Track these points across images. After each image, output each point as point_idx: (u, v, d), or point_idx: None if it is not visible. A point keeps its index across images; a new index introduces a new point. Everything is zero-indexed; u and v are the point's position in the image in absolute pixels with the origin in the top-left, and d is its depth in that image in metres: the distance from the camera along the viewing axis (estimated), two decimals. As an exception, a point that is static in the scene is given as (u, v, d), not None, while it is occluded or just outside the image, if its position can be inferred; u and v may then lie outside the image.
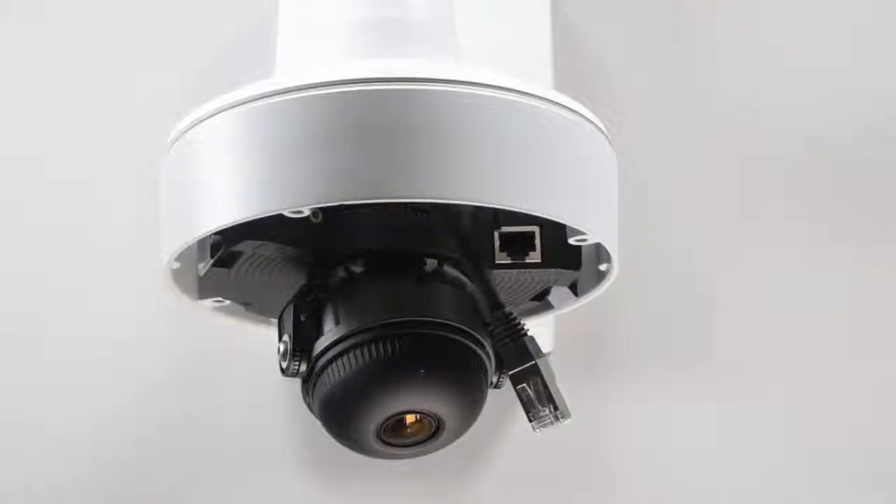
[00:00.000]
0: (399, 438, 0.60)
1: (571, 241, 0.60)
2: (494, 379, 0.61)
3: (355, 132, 0.54)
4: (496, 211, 0.60)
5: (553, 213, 0.56)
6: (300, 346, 0.59)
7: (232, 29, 0.82)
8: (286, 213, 0.55)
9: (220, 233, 0.59)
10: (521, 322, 0.60)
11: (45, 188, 0.81)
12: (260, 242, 0.59)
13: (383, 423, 0.59)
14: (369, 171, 0.54)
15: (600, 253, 0.62)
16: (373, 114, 0.54)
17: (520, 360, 0.60)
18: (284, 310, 0.61)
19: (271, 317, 0.66)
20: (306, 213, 0.55)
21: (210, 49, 0.82)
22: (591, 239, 0.60)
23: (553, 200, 0.56)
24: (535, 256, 0.62)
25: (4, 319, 0.80)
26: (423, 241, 0.61)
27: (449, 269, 0.61)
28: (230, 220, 0.56)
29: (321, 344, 0.59)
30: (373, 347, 0.57)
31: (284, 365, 0.60)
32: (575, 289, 0.65)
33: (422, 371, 0.58)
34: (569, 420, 0.60)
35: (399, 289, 0.60)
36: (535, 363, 0.60)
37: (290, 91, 0.55)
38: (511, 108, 0.56)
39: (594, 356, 0.81)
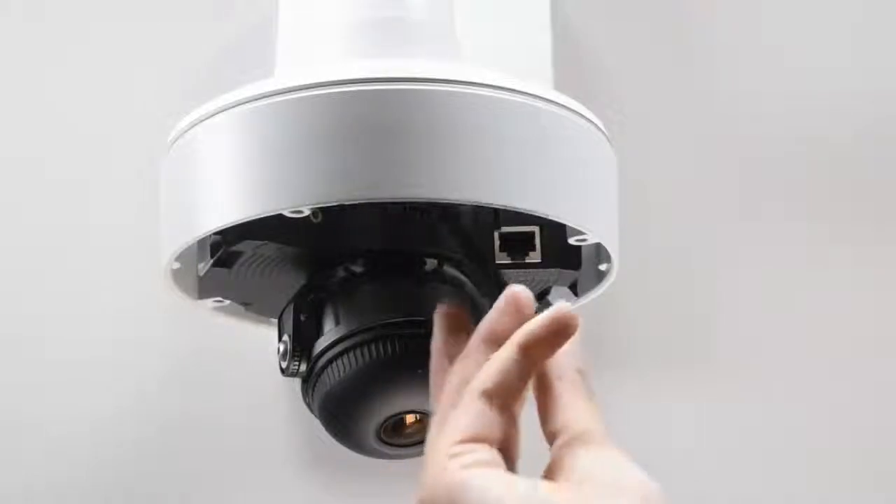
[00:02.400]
0: (399, 438, 0.60)
1: (571, 241, 0.60)
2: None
3: (355, 132, 0.54)
4: (496, 211, 0.60)
5: (553, 213, 0.56)
6: (300, 346, 0.59)
7: (232, 29, 0.82)
8: (286, 213, 0.55)
9: (220, 233, 0.59)
10: None
11: (45, 188, 0.81)
12: (260, 242, 0.59)
13: (383, 422, 0.59)
14: (369, 171, 0.54)
15: (600, 253, 0.62)
16: (373, 114, 0.54)
17: None
18: (284, 310, 0.61)
19: (271, 317, 0.66)
20: (306, 212, 0.55)
21: (210, 49, 0.82)
22: (591, 239, 0.60)
23: (553, 200, 0.56)
24: (535, 256, 0.62)
25: (4, 319, 0.80)
26: (423, 241, 0.61)
27: (449, 269, 0.61)
28: (230, 220, 0.56)
29: (321, 344, 0.59)
30: (373, 347, 0.57)
31: (284, 365, 0.60)
32: (575, 289, 0.65)
33: (421, 371, 0.58)
34: None
35: (399, 289, 0.60)
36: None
37: (289, 91, 0.55)
38: (511, 108, 0.56)
39: (594, 356, 0.81)
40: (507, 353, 0.51)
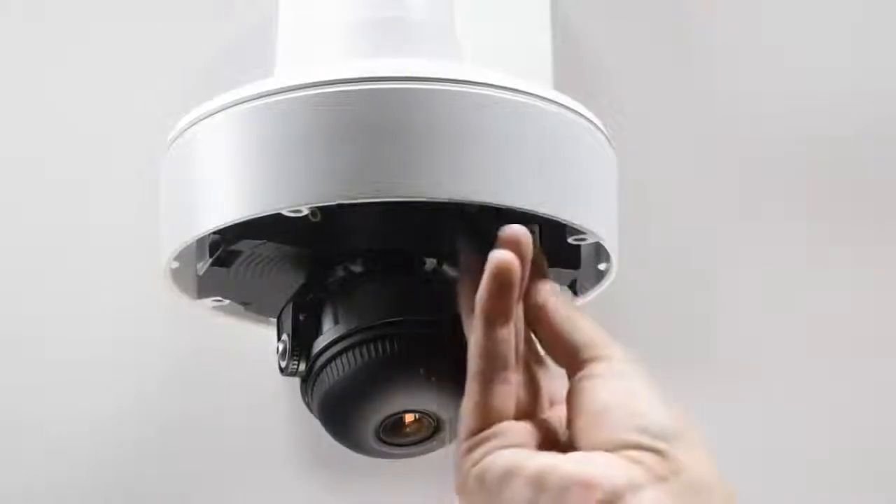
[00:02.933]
0: (398, 438, 0.60)
1: (570, 240, 0.60)
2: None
3: (354, 132, 0.54)
4: (496, 210, 0.60)
5: (553, 212, 0.56)
6: (299, 346, 0.59)
7: (232, 29, 0.82)
8: (285, 213, 0.55)
9: (219, 232, 0.58)
10: None
11: (45, 188, 0.80)
12: (259, 242, 0.59)
13: (382, 422, 0.59)
14: (369, 170, 0.54)
15: (599, 252, 0.62)
16: (372, 113, 0.54)
17: None
18: (283, 309, 0.61)
19: (270, 316, 0.66)
20: (305, 212, 0.55)
21: (210, 49, 0.82)
22: (591, 238, 0.60)
23: (553, 200, 0.56)
24: (534, 255, 0.61)
25: (4, 319, 0.79)
26: (423, 241, 0.61)
27: (448, 269, 0.61)
28: (229, 219, 0.56)
29: (320, 343, 0.59)
30: (372, 347, 0.57)
31: (283, 364, 0.60)
32: (574, 288, 0.65)
33: (421, 371, 0.58)
34: None
35: (398, 288, 0.60)
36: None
37: (289, 90, 0.55)
38: (511, 108, 0.56)
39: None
40: (476, 331, 0.53)
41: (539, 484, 0.50)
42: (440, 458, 0.62)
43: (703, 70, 0.84)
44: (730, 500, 0.51)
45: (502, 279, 0.53)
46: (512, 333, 0.54)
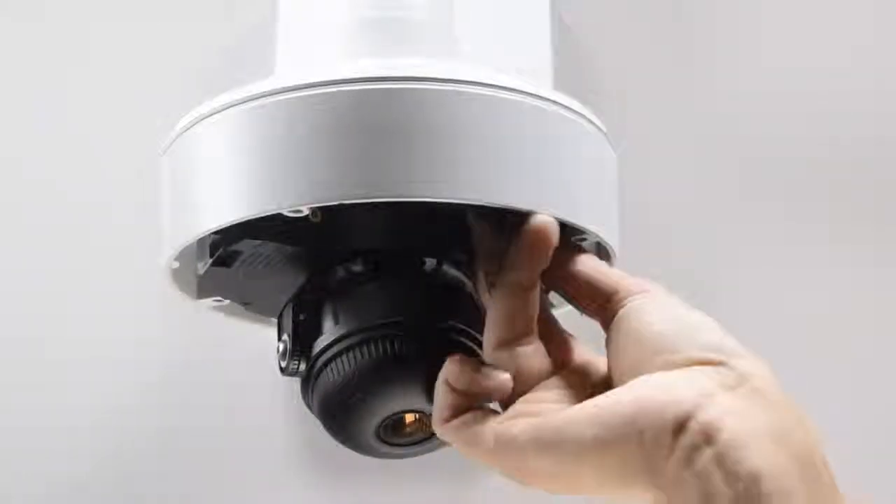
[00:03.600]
0: (399, 438, 0.60)
1: (571, 240, 0.60)
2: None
3: (354, 131, 0.54)
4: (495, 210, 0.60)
5: (553, 212, 0.56)
6: (299, 346, 0.59)
7: (232, 29, 0.82)
8: (285, 213, 0.55)
9: (220, 232, 0.58)
10: None
11: (45, 188, 0.80)
12: (259, 242, 0.59)
13: (382, 422, 0.59)
14: (368, 170, 0.54)
15: (600, 252, 0.62)
16: (372, 113, 0.54)
17: None
18: (284, 309, 0.61)
19: (271, 316, 0.66)
20: (305, 212, 0.55)
21: (210, 49, 0.82)
22: (591, 238, 0.60)
23: (553, 200, 0.56)
24: (534, 255, 0.61)
25: (4, 319, 0.80)
26: (423, 241, 0.61)
27: (448, 269, 0.61)
28: (229, 219, 0.56)
29: (320, 343, 0.59)
30: (372, 347, 0.57)
31: (283, 364, 0.60)
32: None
33: (421, 371, 0.58)
34: None
35: (398, 288, 0.60)
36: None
37: (288, 90, 0.55)
38: (511, 108, 0.56)
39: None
40: (504, 299, 0.55)
41: (603, 419, 0.49)
42: (440, 458, 0.63)
43: (703, 70, 0.84)
44: (795, 411, 0.52)
45: (542, 237, 0.54)
46: (537, 297, 0.55)
